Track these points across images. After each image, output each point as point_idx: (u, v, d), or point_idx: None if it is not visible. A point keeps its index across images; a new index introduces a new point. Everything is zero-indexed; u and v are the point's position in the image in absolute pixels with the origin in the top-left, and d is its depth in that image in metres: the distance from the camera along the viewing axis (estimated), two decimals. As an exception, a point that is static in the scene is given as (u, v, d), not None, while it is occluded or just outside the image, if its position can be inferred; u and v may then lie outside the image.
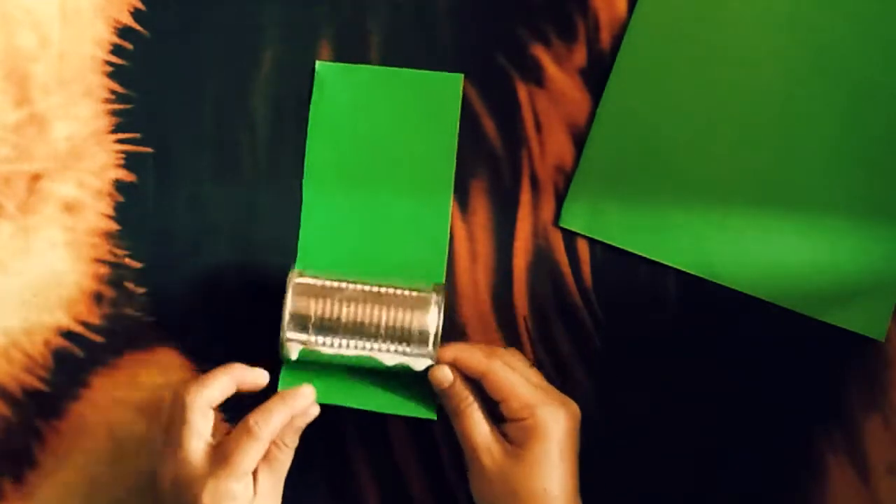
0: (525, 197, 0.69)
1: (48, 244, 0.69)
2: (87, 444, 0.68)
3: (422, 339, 0.63)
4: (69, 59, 0.69)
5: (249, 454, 0.60)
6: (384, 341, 0.63)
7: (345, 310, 0.63)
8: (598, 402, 0.68)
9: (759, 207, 0.68)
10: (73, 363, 0.68)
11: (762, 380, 0.68)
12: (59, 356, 0.68)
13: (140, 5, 0.70)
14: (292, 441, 0.62)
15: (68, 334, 0.68)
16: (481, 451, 0.61)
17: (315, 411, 0.62)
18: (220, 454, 0.60)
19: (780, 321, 0.68)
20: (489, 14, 0.70)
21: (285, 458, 0.62)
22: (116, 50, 0.70)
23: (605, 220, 0.69)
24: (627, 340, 0.69)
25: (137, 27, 0.70)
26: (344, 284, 0.64)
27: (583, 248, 0.69)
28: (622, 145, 0.69)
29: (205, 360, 0.68)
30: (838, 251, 0.68)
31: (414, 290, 0.64)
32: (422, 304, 0.63)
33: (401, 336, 0.63)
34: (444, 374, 0.63)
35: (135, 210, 0.69)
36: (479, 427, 0.62)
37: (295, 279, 0.64)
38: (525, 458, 0.61)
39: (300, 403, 0.61)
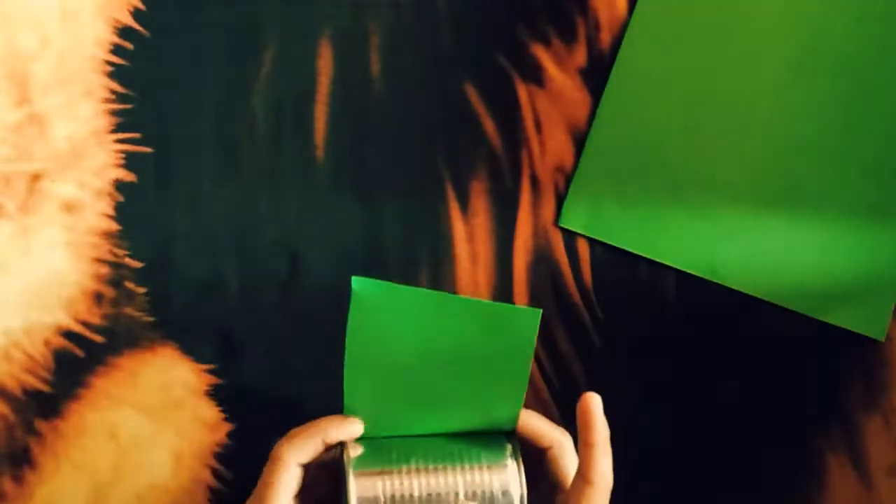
0: (525, 197, 0.69)
1: (48, 244, 0.69)
2: (87, 444, 0.68)
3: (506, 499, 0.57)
4: (69, 59, 0.69)
5: (274, 479, 0.57)
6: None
7: (416, 482, 0.57)
8: (598, 402, 0.68)
9: (759, 207, 0.68)
10: (73, 363, 0.68)
11: (762, 380, 0.68)
12: (60, 356, 0.68)
13: (140, 5, 0.70)
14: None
15: (68, 334, 0.68)
16: None
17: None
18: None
19: (780, 321, 0.68)
20: (489, 14, 0.70)
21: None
22: (116, 50, 0.70)
23: (605, 220, 0.69)
24: (627, 340, 0.69)
25: (137, 27, 0.70)
26: (407, 466, 0.57)
27: (583, 248, 0.69)
28: (622, 145, 0.69)
29: (205, 360, 0.68)
30: (838, 251, 0.68)
31: (484, 455, 0.58)
32: (497, 468, 0.57)
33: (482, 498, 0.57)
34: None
35: (135, 210, 0.69)
36: None
37: (352, 457, 0.58)
38: None
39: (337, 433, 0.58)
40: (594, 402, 0.58)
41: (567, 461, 0.60)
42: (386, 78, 0.70)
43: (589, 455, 0.58)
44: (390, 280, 0.68)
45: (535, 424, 0.60)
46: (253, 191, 0.69)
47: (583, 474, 0.58)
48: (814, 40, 0.69)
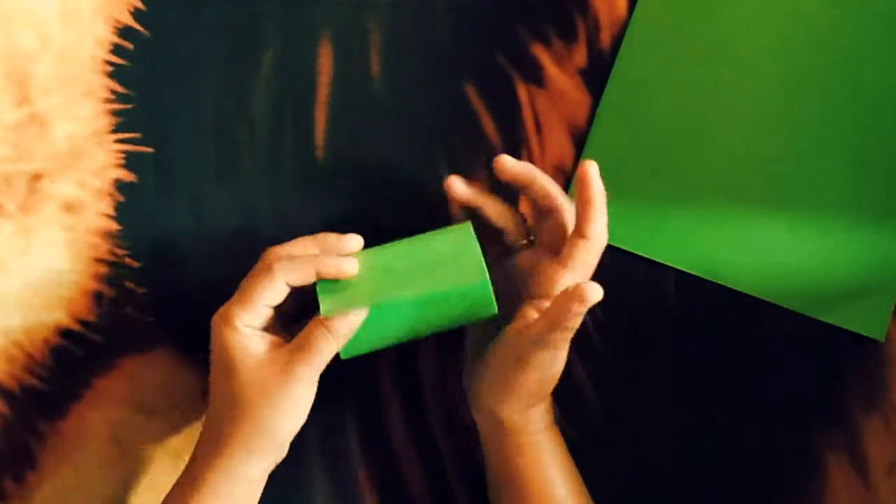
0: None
1: (48, 244, 0.69)
2: (87, 444, 0.68)
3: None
4: (69, 59, 0.69)
5: (260, 284, 0.60)
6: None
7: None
8: (598, 402, 0.68)
9: (759, 207, 0.68)
10: (73, 363, 0.68)
11: (762, 380, 0.68)
12: (59, 356, 0.68)
13: (140, 5, 0.70)
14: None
15: (68, 334, 0.69)
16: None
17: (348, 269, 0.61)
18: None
19: (779, 321, 0.68)
20: (489, 14, 0.70)
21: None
22: (116, 50, 0.70)
23: (605, 220, 0.69)
24: (627, 340, 0.69)
25: (137, 27, 0.70)
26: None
27: (583, 248, 0.69)
28: (622, 145, 0.69)
29: (204, 361, 0.68)
30: (838, 251, 0.68)
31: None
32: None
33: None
34: (596, 290, 0.58)
35: (135, 210, 0.69)
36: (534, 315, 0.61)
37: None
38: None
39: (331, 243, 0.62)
40: (591, 166, 0.61)
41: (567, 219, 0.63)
42: (386, 78, 0.70)
43: (586, 211, 0.61)
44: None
45: (548, 185, 0.63)
46: (253, 191, 0.69)
47: (579, 230, 0.61)
48: (814, 40, 0.69)
